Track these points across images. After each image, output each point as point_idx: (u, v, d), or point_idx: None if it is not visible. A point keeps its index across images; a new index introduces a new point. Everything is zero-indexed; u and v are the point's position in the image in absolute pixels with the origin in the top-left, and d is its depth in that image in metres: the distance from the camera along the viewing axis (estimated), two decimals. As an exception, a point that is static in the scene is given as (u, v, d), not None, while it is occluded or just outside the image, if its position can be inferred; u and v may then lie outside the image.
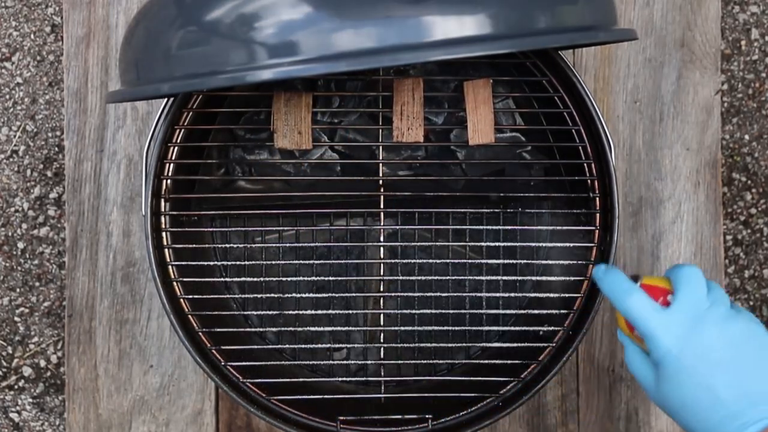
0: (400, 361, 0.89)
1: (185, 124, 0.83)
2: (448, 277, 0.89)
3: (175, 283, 0.83)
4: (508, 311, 0.87)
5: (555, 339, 0.83)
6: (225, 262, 0.92)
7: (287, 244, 0.91)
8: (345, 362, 0.90)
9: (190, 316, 0.83)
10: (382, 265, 0.85)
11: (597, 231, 0.83)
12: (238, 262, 0.91)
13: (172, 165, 0.84)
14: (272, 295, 0.88)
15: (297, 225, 0.91)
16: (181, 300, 0.82)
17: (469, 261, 0.91)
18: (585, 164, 0.85)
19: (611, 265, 0.68)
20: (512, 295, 0.88)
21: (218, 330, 0.83)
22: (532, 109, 0.91)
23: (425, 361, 0.88)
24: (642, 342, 0.66)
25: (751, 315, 0.64)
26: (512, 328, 0.85)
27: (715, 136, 0.99)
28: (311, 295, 0.88)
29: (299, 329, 0.89)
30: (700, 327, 0.62)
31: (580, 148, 0.84)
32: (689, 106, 0.99)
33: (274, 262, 0.91)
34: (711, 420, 0.60)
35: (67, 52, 0.97)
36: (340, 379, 0.90)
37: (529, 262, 0.92)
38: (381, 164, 0.87)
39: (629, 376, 0.96)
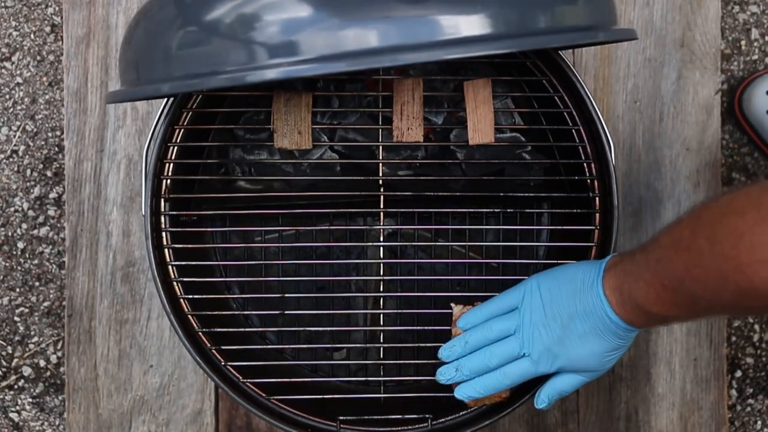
0: (400, 361, 0.89)
1: (185, 124, 0.83)
2: (448, 277, 0.89)
3: (175, 283, 0.83)
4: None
5: (555, 339, 0.83)
6: (225, 262, 0.92)
7: (287, 244, 0.91)
8: (345, 362, 0.90)
9: (190, 316, 0.83)
10: (382, 265, 0.85)
11: (597, 231, 0.83)
12: (238, 262, 0.91)
13: (171, 165, 0.84)
14: (272, 295, 0.88)
15: (297, 225, 0.91)
16: (181, 300, 0.82)
17: (469, 261, 0.91)
18: (585, 164, 0.85)
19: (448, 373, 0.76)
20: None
21: (218, 330, 0.83)
22: (532, 109, 0.91)
23: (425, 361, 0.88)
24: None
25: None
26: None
27: (715, 136, 0.99)
28: (311, 295, 0.88)
29: (299, 329, 0.89)
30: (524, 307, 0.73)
31: (579, 148, 0.84)
32: (689, 106, 0.99)
33: (274, 262, 0.91)
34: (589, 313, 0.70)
35: (67, 52, 0.97)
36: (340, 379, 0.90)
37: (529, 261, 0.92)
38: (381, 164, 0.87)
39: (629, 375, 0.96)
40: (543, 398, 0.75)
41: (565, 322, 0.71)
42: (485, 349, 0.74)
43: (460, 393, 0.75)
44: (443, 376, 0.75)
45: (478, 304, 0.77)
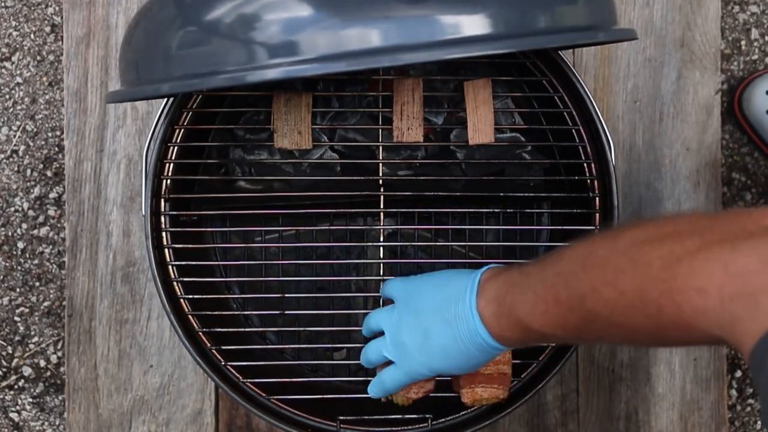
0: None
1: (185, 124, 0.83)
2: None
3: (175, 283, 0.83)
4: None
5: (555, 339, 0.83)
6: (225, 262, 0.92)
7: (287, 244, 0.91)
8: (345, 362, 0.90)
9: (190, 316, 0.83)
10: (382, 265, 0.85)
11: (597, 231, 0.83)
12: (238, 262, 0.91)
13: (172, 165, 0.84)
14: (272, 295, 0.88)
15: (297, 225, 0.91)
16: (181, 300, 0.82)
17: (469, 261, 0.91)
18: (585, 164, 0.85)
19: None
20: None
21: (218, 330, 0.83)
22: (532, 109, 0.91)
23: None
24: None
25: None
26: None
27: (715, 136, 0.99)
28: (311, 295, 0.88)
29: (299, 329, 0.89)
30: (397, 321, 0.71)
31: (579, 148, 0.84)
32: (689, 106, 0.99)
33: (274, 262, 0.91)
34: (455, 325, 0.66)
35: (67, 52, 0.97)
36: (340, 379, 0.90)
37: (529, 262, 0.92)
38: (381, 164, 0.87)
39: (629, 375, 0.96)
40: None
41: (428, 330, 0.68)
42: (367, 345, 0.74)
43: (368, 388, 0.75)
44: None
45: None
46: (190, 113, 0.83)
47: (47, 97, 1.05)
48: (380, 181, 0.85)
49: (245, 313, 0.91)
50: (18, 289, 1.04)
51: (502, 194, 0.86)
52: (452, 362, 0.68)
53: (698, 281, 0.48)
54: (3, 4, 1.06)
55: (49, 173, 1.04)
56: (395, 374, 0.71)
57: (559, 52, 0.82)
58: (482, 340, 0.65)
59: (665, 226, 0.54)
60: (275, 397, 0.82)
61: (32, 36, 1.06)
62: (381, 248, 0.86)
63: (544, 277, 0.60)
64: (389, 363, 0.72)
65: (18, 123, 1.05)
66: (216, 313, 0.85)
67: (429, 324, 0.68)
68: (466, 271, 0.69)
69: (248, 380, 0.82)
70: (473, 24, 0.59)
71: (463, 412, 0.82)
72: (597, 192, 0.84)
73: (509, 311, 0.62)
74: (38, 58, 1.06)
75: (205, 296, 0.84)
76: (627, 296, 0.53)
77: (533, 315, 0.60)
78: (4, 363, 1.04)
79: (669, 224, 0.54)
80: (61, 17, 1.02)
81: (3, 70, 1.06)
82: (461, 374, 0.73)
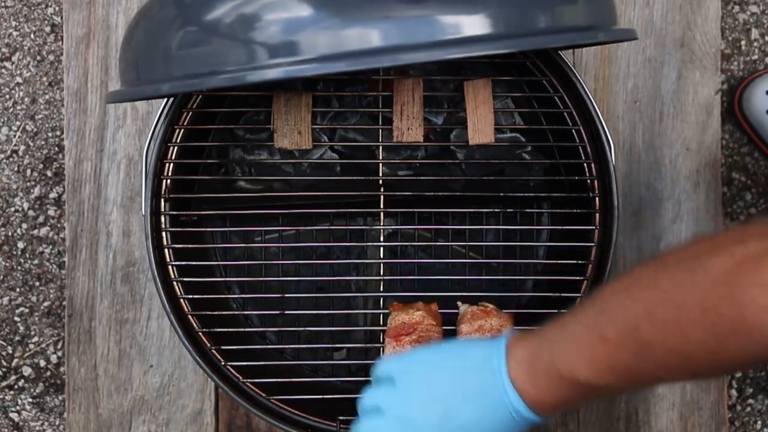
0: (400, 361, 0.88)
1: (185, 124, 0.83)
2: (448, 277, 0.89)
3: (175, 283, 0.83)
4: (507, 311, 0.87)
5: (555, 339, 0.83)
6: (225, 262, 0.92)
7: (287, 244, 0.91)
8: (345, 362, 0.90)
9: (190, 316, 0.83)
10: (382, 265, 0.85)
11: (597, 231, 0.83)
12: (238, 262, 0.91)
13: (172, 165, 0.84)
14: (272, 295, 0.88)
15: (297, 225, 0.91)
16: (181, 300, 0.82)
17: (469, 261, 0.91)
18: (585, 164, 0.85)
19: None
20: (512, 294, 0.88)
21: (218, 330, 0.83)
22: (532, 109, 0.91)
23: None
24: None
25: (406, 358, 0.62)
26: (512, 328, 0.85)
27: (715, 136, 0.99)
28: (311, 295, 0.88)
29: (299, 329, 0.89)
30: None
31: (579, 148, 0.84)
32: (689, 106, 0.99)
33: (274, 262, 0.91)
34: (493, 415, 0.57)
35: (67, 52, 0.97)
36: (340, 379, 0.90)
37: (529, 261, 0.92)
38: (381, 164, 0.87)
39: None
40: None
41: (447, 407, 0.57)
42: (357, 427, 0.63)
43: None
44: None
45: (482, 304, 0.76)
46: (190, 113, 0.83)
47: (47, 97, 1.05)
48: (380, 181, 0.85)
49: (245, 313, 0.91)
50: (18, 289, 1.04)
51: (502, 194, 0.86)
52: None
53: (764, 277, 0.46)
54: (3, 4, 1.06)
55: (49, 173, 1.04)
56: None
57: (559, 52, 0.82)
58: (513, 410, 0.56)
59: (722, 236, 0.50)
60: (275, 397, 0.82)
61: (32, 36, 1.06)
62: (381, 248, 0.86)
63: (583, 321, 0.54)
64: None
65: (18, 123, 1.05)
66: (216, 313, 0.85)
67: (447, 399, 0.58)
68: (484, 340, 0.61)
69: (248, 380, 0.82)
70: (473, 24, 0.59)
71: (463, 412, 0.82)
72: (597, 192, 0.84)
73: (547, 369, 0.55)
74: (38, 58, 1.06)
75: (205, 296, 0.84)
76: (685, 310, 0.49)
77: (577, 363, 0.53)
78: (4, 363, 1.04)
79: (726, 235, 0.51)
80: (61, 17, 1.02)
81: (3, 70, 1.06)
82: None
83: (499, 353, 0.57)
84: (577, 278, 0.83)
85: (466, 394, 0.57)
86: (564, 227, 0.86)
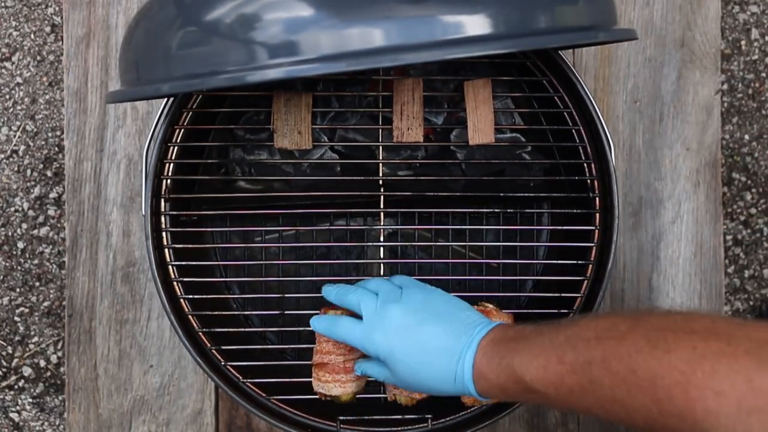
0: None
1: (185, 124, 0.83)
2: (448, 277, 0.89)
3: (175, 283, 0.83)
4: (507, 311, 0.87)
5: (555, 339, 0.83)
6: (225, 262, 0.92)
7: (287, 244, 0.91)
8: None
9: (190, 316, 0.83)
10: (382, 265, 0.85)
11: (597, 231, 0.83)
12: (238, 262, 0.91)
13: (172, 165, 0.84)
14: (272, 295, 0.88)
15: (297, 225, 0.91)
16: (181, 300, 0.82)
17: (469, 261, 0.91)
18: (585, 164, 0.85)
19: (320, 315, 0.75)
20: (512, 294, 0.88)
21: (218, 330, 0.83)
22: (532, 109, 0.91)
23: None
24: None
25: (419, 285, 0.72)
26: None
27: (715, 136, 0.99)
28: (311, 295, 0.88)
29: (299, 329, 0.89)
30: (386, 321, 0.68)
31: (579, 148, 0.84)
32: (689, 106, 0.99)
33: (274, 262, 0.91)
34: (443, 372, 0.65)
35: (67, 52, 0.97)
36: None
37: (529, 262, 0.92)
38: (381, 164, 0.87)
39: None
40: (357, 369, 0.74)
41: (422, 322, 0.67)
42: (354, 288, 0.72)
43: (311, 320, 0.74)
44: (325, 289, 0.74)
45: (482, 304, 0.76)
46: (190, 113, 0.83)
47: (47, 97, 1.05)
48: (380, 181, 0.85)
49: (245, 313, 0.91)
50: (18, 289, 1.04)
51: (502, 194, 0.86)
52: (420, 381, 0.67)
53: (719, 384, 0.49)
54: (3, 4, 1.06)
55: (49, 173, 1.04)
56: (356, 337, 0.70)
57: (559, 52, 0.82)
58: (460, 369, 0.64)
59: (692, 321, 0.55)
60: (275, 397, 0.82)
61: (32, 36, 1.06)
62: (381, 248, 0.86)
63: (553, 337, 0.60)
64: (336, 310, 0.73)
65: (18, 123, 1.05)
66: (216, 313, 0.85)
67: (429, 319, 0.67)
68: (481, 314, 0.69)
69: (248, 380, 0.82)
70: (473, 24, 0.59)
71: (463, 413, 0.82)
72: (597, 192, 0.84)
73: (506, 355, 0.62)
74: (38, 58, 1.06)
75: (205, 296, 0.84)
76: (637, 375, 0.53)
77: (529, 367, 0.60)
78: (4, 363, 1.04)
79: (697, 321, 0.54)
80: (61, 17, 1.02)
81: (3, 70, 1.06)
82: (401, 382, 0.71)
83: (485, 327, 0.66)
84: (577, 278, 0.83)
85: (444, 327, 0.66)
86: (564, 227, 0.86)
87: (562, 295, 0.83)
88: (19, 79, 1.05)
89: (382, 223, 0.85)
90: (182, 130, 0.83)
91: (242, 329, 0.90)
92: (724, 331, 0.52)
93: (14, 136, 1.05)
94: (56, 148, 1.05)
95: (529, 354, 0.60)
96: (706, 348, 0.51)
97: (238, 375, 0.82)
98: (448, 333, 0.66)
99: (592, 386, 0.56)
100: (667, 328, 0.54)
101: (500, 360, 0.62)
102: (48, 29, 1.06)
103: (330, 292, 0.74)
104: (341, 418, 0.81)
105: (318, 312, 0.80)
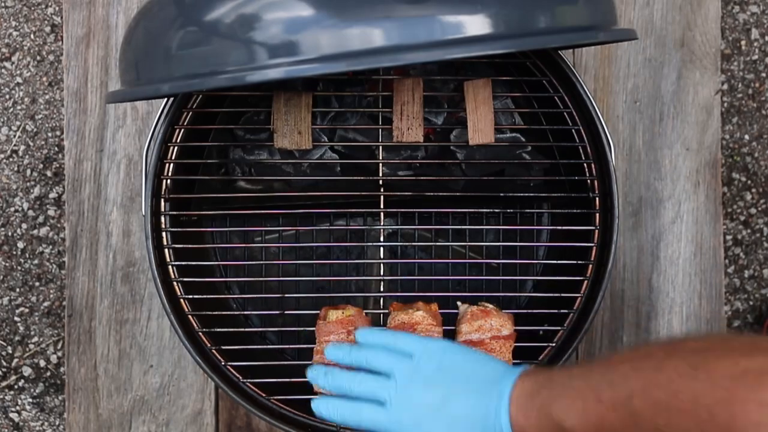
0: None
1: (185, 124, 0.83)
2: (448, 277, 0.89)
3: (175, 283, 0.83)
4: (507, 311, 0.87)
5: (555, 338, 0.83)
6: (225, 262, 0.92)
7: (287, 244, 0.91)
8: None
9: (190, 316, 0.83)
10: (382, 265, 0.85)
11: (597, 231, 0.83)
12: (238, 262, 0.91)
13: (172, 165, 0.84)
14: (272, 295, 0.88)
15: (297, 225, 0.91)
16: (181, 300, 0.82)
17: (469, 261, 0.91)
18: (585, 164, 0.85)
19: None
20: (512, 294, 0.88)
21: (218, 330, 0.83)
22: (532, 109, 0.91)
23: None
24: None
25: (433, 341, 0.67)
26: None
27: (715, 136, 0.99)
28: (311, 295, 0.88)
29: (299, 329, 0.89)
30: (410, 403, 0.64)
31: (579, 148, 0.84)
32: (689, 106, 0.99)
33: (274, 262, 0.91)
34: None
35: (67, 52, 0.97)
36: (340, 379, 0.90)
37: (529, 262, 0.92)
38: (381, 164, 0.87)
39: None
40: None
41: (448, 393, 0.63)
42: (357, 372, 0.67)
43: (315, 404, 0.69)
44: (312, 372, 0.70)
45: (482, 304, 0.76)
46: (190, 113, 0.83)
47: (47, 97, 1.05)
48: (380, 181, 0.85)
49: (245, 313, 0.91)
50: (18, 289, 1.04)
51: (502, 194, 0.86)
52: None
53: (764, 396, 0.48)
54: (3, 4, 1.06)
55: (49, 173, 1.04)
56: (379, 420, 0.65)
57: (559, 52, 0.82)
58: (498, 426, 0.61)
59: (732, 341, 0.54)
60: (275, 397, 0.82)
61: (32, 36, 1.06)
62: (381, 248, 0.86)
63: (588, 377, 0.58)
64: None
65: (18, 123, 1.05)
66: (216, 313, 0.85)
67: (452, 392, 0.63)
68: (504, 362, 0.67)
69: (248, 380, 0.82)
70: (473, 24, 0.59)
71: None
72: (597, 192, 0.84)
73: (542, 405, 0.60)
74: (38, 58, 1.06)
75: (205, 296, 0.84)
76: (679, 399, 0.52)
77: (569, 411, 0.58)
78: (4, 363, 1.04)
79: (736, 340, 0.54)
80: (61, 17, 1.02)
81: (3, 70, 1.06)
82: None
83: (511, 377, 0.62)
84: (577, 278, 0.83)
85: (469, 392, 0.63)
86: (564, 227, 0.86)
87: (562, 295, 0.83)
88: (19, 79, 1.05)
89: (382, 223, 0.85)
90: (182, 130, 0.83)
91: (242, 329, 0.90)
92: (767, 347, 0.52)
93: (14, 136, 1.05)
94: (56, 148, 1.05)
95: (566, 398, 0.58)
96: (750, 363, 0.50)
97: (238, 375, 0.82)
98: (478, 399, 0.62)
99: (633, 419, 0.55)
100: (707, 349, 0.54)
101: (537, 412, 0.60)
102: (48, 29, 1.06)
103: (333, 382, 0.69)
104: (341, 418, 0.81)
105: (318, 312, 0.80)
